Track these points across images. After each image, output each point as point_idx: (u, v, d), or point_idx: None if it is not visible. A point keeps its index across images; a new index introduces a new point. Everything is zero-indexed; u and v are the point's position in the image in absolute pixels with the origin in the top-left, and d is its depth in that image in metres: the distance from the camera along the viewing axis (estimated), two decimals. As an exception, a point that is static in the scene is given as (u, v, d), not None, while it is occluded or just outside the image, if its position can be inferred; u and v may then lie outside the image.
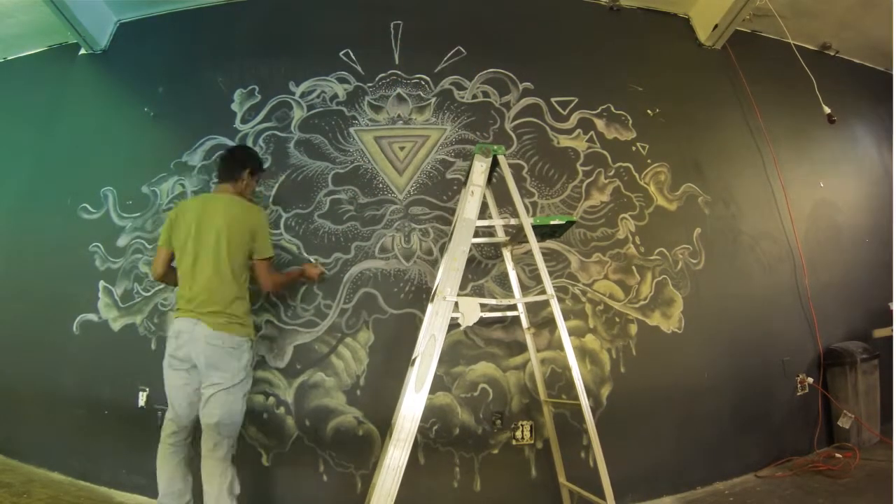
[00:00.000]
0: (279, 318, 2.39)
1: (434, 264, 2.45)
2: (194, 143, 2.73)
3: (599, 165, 2.73)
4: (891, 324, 2.94)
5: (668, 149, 2.85)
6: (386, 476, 1.55)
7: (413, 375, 1.66)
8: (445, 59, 2.78)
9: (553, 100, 2.79)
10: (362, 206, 2.55)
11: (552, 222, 2.03)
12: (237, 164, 2.09)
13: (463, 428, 2.27)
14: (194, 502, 1.84)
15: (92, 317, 2.53)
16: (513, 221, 2.02)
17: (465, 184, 2.02)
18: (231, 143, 2.68)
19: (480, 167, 1.97)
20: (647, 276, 2.61)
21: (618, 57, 2.99)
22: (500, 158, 2.02)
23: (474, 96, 2.75)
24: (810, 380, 2.71)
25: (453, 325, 1.78)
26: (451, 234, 1.85)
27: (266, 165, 2.16)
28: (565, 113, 2.79)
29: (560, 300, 2.45)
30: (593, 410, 2.36)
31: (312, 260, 2.43)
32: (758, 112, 3.09)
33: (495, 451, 2.27)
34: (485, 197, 2.05)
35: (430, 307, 1.96)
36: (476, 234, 1.89)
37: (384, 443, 2.07)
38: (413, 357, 1.98)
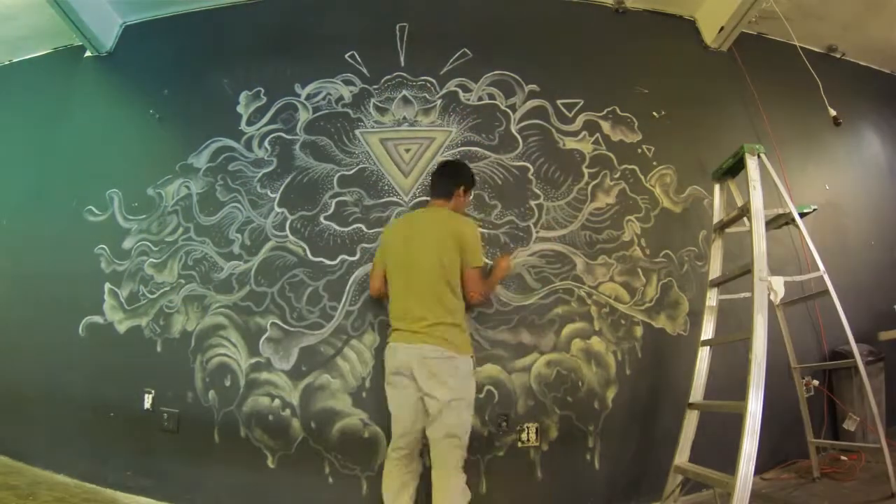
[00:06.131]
0: (284, 320, 2.39)
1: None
2: (200, 145, 2.73)
3: (605, 167, 2.73)
4: (896, 326, 2.93)
5: (674, 151, 2.84)
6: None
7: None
8: (451, 61, 2.78)
9: (559, 102, 2.78)
10: (368, 208, 2.54)
11: (806, 211, 2.31)
12: (449, 182, 2.13)
13: (468, 430, 2.27)
14: None
15: (98, 319, 2.54)
16: (779, 211, 2.29)
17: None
18: (237, 145, 2.69)
19: (754, 163, 2.08)
20: (652, 278, 2.61)
21: (623, 59, 2.97)
22: (749, 157, 2.10)
23: (480, 98, 2.74)
24: (816, 382, 2.70)
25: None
26: (751, 223, 1.95)
27: (473, 180, 2.21)
28: (571, 115, 2.78)
29: (565, 302, 2.46)
30: (599, 412, 2.37)
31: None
32: (763, 114, 3.08)
33: (501, 454, 2.27)
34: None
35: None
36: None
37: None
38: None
